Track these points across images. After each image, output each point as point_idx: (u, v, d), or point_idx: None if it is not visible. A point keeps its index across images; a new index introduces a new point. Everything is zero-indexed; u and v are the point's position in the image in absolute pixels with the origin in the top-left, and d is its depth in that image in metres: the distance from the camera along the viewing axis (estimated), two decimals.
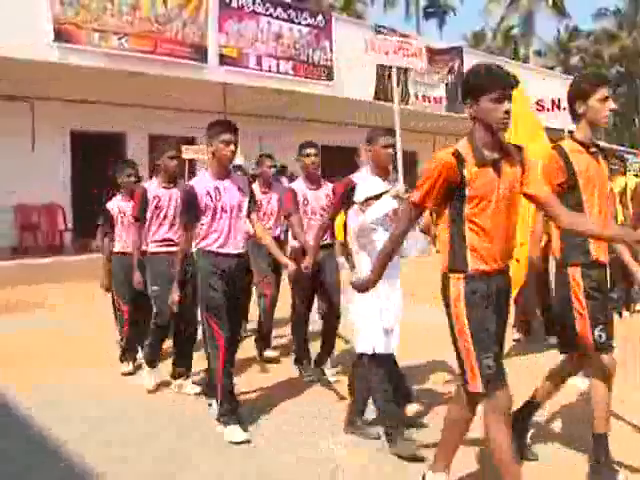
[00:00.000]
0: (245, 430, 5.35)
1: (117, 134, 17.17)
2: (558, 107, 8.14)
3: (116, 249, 7.74)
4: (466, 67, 22.90)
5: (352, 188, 5.32)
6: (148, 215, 6.74)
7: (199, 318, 5.78)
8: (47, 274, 12.97)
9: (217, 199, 5.55)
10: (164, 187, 6.81)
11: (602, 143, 32.73)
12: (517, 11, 50.82)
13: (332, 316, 6.81)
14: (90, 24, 13.68)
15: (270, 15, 17.32)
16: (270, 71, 17.23)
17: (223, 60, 16.24)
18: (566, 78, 30.74)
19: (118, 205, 7.90)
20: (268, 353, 7.82)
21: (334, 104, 18.91)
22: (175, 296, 5.87)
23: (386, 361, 5.12)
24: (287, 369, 7.31)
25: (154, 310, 6.71)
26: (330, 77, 18.59)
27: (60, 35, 13.28)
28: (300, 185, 7.23)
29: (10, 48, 12.31)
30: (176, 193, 6.69)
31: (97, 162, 17.14)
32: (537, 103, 8.01)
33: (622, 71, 50.45)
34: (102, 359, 7.80)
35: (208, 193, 5.54)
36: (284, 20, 17.66)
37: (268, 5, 17.22)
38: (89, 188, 16.70)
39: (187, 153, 12.02)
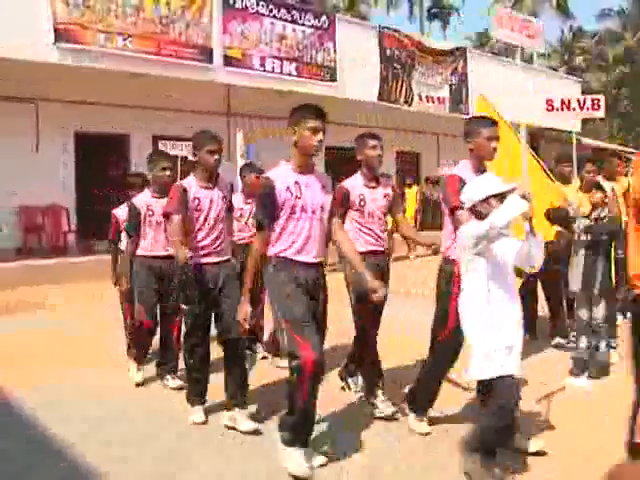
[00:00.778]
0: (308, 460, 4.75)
1: (121, 135, 17.17)
2: (567, 107, 8.08)
3: (139, 251, 6.90)
4: (470, 68, 22.95)
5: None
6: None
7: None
8: (51, 275, 12.99)
9: (297, 196, 4.75)
10: (204, 187, 5.75)
11: (604, 144, 32.69)
12: (521, 12, 50.70)
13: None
14: (95, 25, 13.71)
15: (274, 16, 17.35)
16: (273, 72, 17.25)
17: (227, 61, 16.25)
18: (572, 79, 30.80)
19: (146, 202, 6.86)
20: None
21: (337, 105, 18.89)
22: (246, 309, 4.89)
23: (509, 386, 4.40)
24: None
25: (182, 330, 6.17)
26: (333, 78, 18.60)
27: (65, 36, 13.31)
28: (356, 182, 6.11)
29: (14, 49, 12.36)
30: (218, 194, 5.80)
31: (101, 163, 17.19)
32: (547, 102, 7.96)
33: (626, 72, 50.30)
34: (102, 359, 7.80)
35: (288, 188, 4.74)
36: (288, 21, 17.69)
37: (272, 6, 17.24)
38: (93, 189, 16.75)
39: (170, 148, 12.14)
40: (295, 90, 17.48)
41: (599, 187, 7.28)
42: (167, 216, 5.80)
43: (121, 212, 7.60)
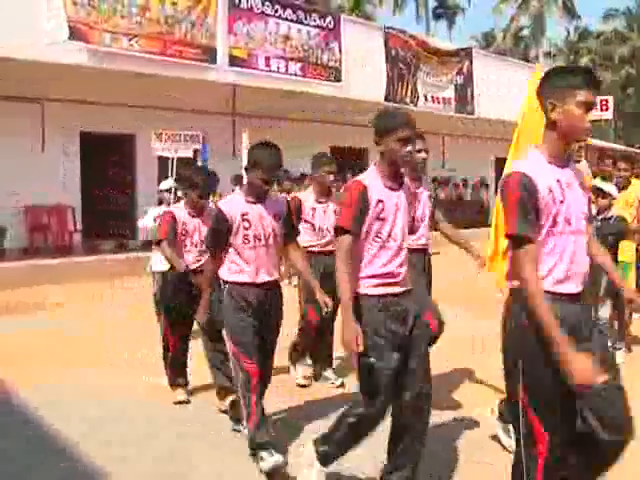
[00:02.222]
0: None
1: (126, 135, 17.20)
2: None
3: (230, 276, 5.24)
4: (475, 68, 22.94)
5: None
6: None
7: None
8: (56, 275, 13.01)
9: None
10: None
11: (615, 145, 32.59)
12: (527, 12, 50.74)
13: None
14: (101, 25, 13.74)
15: (279, 16, 17.37)
16: (279, 72, 17.26)
17: (232, 61, 16.28)
18: None
19: (241, 210, 5.21)
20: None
21: (342, 105, 18.93)
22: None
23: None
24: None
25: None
26: (338, 78, 18.61)
27: (72, 36, 13.32)
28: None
29: (18, 49, 12.37)
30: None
31: (106, 163, 17.23)
32: None
33: (632, 72, 50.27)
34: (102, 359, 7.80)
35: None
36: (293, 21, 17.70)
37: (277, 6, 17.26)
38: (99, 189, 16.80)
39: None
40: (300, 90, 17.52)
41: (601, 191, 7.28)
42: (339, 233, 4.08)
43: (181, 213, 6.22)
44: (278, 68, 17.29)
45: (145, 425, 5.71)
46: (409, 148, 4.07)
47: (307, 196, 6.72)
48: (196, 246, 6.12)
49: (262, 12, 16.95)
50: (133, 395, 6.50)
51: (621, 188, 7.89)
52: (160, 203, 9.68)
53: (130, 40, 14.20)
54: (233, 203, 4.99)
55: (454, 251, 6.76)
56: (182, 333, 6.38)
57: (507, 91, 23.26)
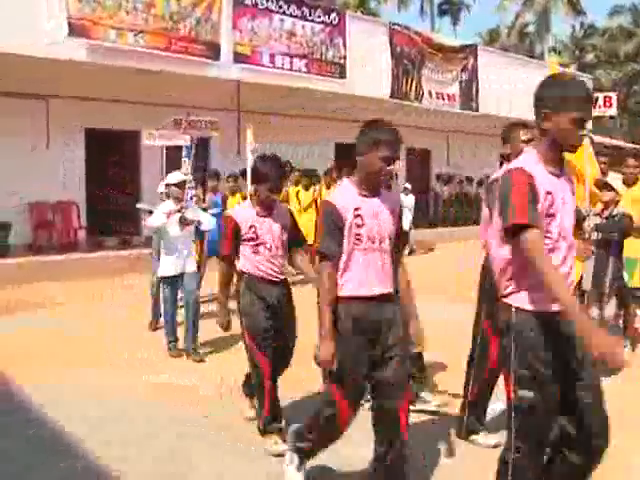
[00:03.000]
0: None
1: (131, 132, 17.19)
2: None
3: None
4: (480, 65, 22.89)
5: None
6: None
7: None
8: (59, 271, 13.02)
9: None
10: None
11: (617, 142, 32.54)
12: (532, 8, 50.61)
13: None
14: (106, 21, 13.73)
15: (283, 12, 17.33)
16: (283, 68, 17.24)
17: (237, 57, 16.25)
18: (583, 76, 30.68)
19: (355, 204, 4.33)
20: None
21: (347, 101, 18.91)
22: None
23: None
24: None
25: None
26: (343, 75, 18.57)
27: (76, 32, 13.31)
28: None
29: (23, 45, 12.37)
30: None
31: (111, 160, 17.23)
32: None
33: (638, 69, 50.12)
34: (102, 359, 7.79)
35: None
36: (297, 17, 17.66)
37: (281, 2, 17.22)
38: (103, 186, 16.79)
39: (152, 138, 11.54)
40: (305, 87, 17.50)
41: (609, 186, 7.25)
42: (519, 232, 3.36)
43: (248, 214, 5.39)
44: (283, 64, 17.26)
45: (145, 425, 5.72)
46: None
47: None
48: (270, 250, 5.30)
49: (267, 8, 16.92)
50: (133, 395, 6.50)
51: (629, 185, 7.85)
52: (167, 197, 9.45)
53: (135, 36, 14.19)
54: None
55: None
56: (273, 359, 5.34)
57: (512, 88, 23.21)
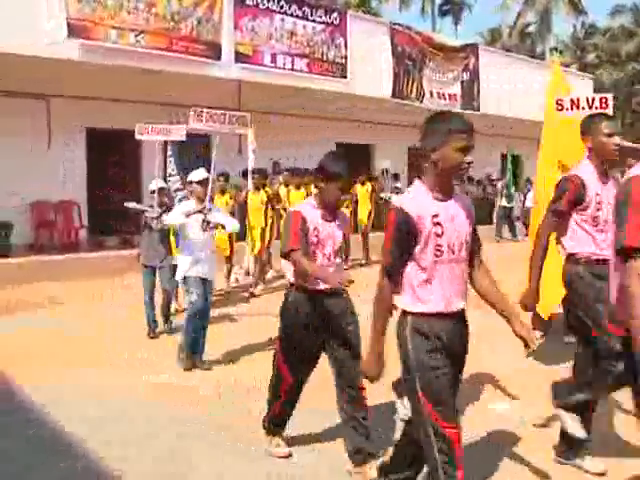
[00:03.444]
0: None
1: (132, 131, 17.18)
2: (577, 107, 8.00)
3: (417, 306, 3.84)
4: (482, 64, 22.88)
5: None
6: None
7: None
8: (60, 271, 13.03)
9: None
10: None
11: (625, 143, 32.65)
12: (534, 8, 50.58)
13: None
14: (107, 21, 13.73)
15: (285, 12, 17.33)
16: (284, 68, 17.24)
17: (238, 57, 16.26)
18: (584, 76, 30.66)
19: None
20: None
21: (348, 101, 18.91)
22: None
23: None
24: None
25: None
26: (344, 74, 18.56)
27: (77, 32, 13.32)
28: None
29: (24, 45, 12.38)
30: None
31: (112, 159, 17.22)
32: (556, 102, 7.90)
33: (639, 68, 50.09)
34: (102, 359, 7.79)
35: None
36: (299, 17, 17.66)
37: (283, 2, 17.22)
38: (104, 186, 16.79)
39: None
40: (306, 86, 17.50)
41: None
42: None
43: (314, 214, 4.91)
44: (284, 64, 17.26)
45: (145, 425, 5.73)
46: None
47: None
48: (329, 259, 4.89)
49: (268, 8, 16.92)
50: (133, 395, 6.51)
51: None
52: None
53: (136, 36, 14.19)
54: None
55: None
56: (302, 374, 5.14)
57: (513, 87, 23.21)
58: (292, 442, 5.26)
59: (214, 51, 15.76)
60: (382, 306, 3.61)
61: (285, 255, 4.76)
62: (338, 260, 4.94)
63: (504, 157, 25.52)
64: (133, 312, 9.96)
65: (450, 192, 3.70)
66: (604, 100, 8.38)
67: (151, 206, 9.37)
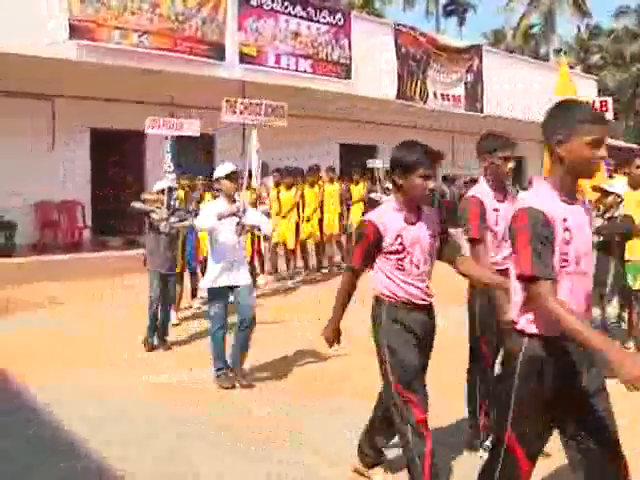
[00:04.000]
0: None
1: (136, 132, 17.22)
2: None
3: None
4: (485, 66, 22.88)
5: None
6: None
7: None
8: (63, 271, 13.05)
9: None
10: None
11: (622, 143, 32.40)
12: (538, 9, 50.51)
13: None
14: (111, 22, 13.77)
15: (289, 13, 17.38)
16: (288, 69, 17.26)
17: (242, 58, 16.29)
18: (588, 78, 30.64)
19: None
20: None
21: (352, 102, 18.93)
22: None
23: None
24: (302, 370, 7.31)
25: None
26: (348, 75, 18.59)
27: (80, 33, 13.35)
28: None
29: (28, 46, 12.41)
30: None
31: (116, 160, 17.26)
32: None
33: None
34: (102, 359, 7.80)
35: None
36: (303, 18, 17.71)
37: (287, 3, 17.26)
38: (108, 186, 16.83)
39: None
40: (310, 87, 17.52)
41: (605, 192, 7.26)
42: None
43: (385, 217, 4.25)
44: (288, 65, 17.30)
45: (145, 425, 5.74)
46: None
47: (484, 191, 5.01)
48: (417, 267, 4.22)
49: (272, 9, 16.96)
50: (133, 395, 6.52)
51: (635, 187, 7.74)
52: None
53: (140, 37, 14.23)
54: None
55: None
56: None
57: (516, 89, 23.22)
58: (292, 442, 5.28)
59: (218, 52, 15.79)
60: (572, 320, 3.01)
61: (349, 270, 4.35)
62: (429, 268, 4.28)
63: None
64: (134, 312, 9.93)
65: (575, 194, 3.30)
66: (604, 103, 8.43)
67: (158, 207, 8.64)
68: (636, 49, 49.56)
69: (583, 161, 3.16)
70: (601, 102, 8.16)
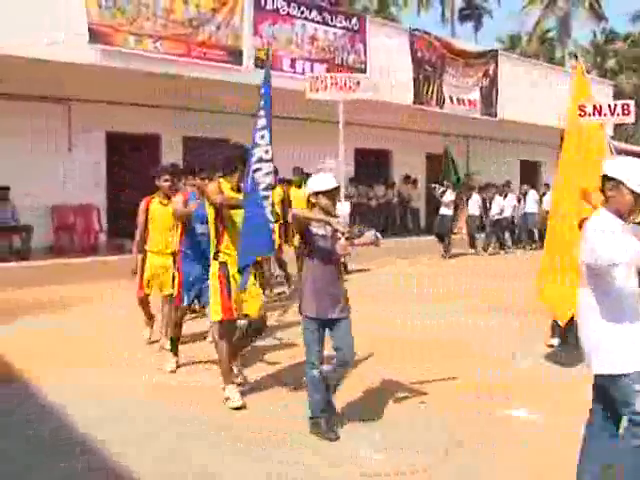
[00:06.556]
0: None
1: (152, 135, 17.36)
2: (599, 113, 7.99)
3: None
4: (501, 70, 22.84)
5: None
6: None
7: None
8: (79, 274, 13.14)
9: None
10: None
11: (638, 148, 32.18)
12: (553, 14, 50.29)
13: None
14: (126, 27, 13.89)
15: (305, 18, 17.45)
16: (304, 74, 17.30)
17: (258, 62, 16.35)
18: (604, 82, 30.50)
19: None
20: None
21: (367, 107, 18.94)
22: None
23: None
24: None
25: None
26: None
27: (96, 37, 13.48)
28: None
29: (47, 49, 12.53)
30: None
31: (132, 163, 17.38)
32: (579, 108, 7.88)
33: None
34: (102, 359, 7.82)
35: None
36: (319, 23, 17.77)
37: (303, 8, 17.34)
38: (124, 189, 16.94)
39: None
40: None
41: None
42: None
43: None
44: (303, 69, 17.34)
45: (145, 425, 5.76)
46: None
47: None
48: None
49: (288, 14, 17.04)
50: (133, 395, 6.53)
51: None
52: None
53: (155, 42, 14.34)
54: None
55: None
56: None
57: (532, 93, 23.16)
58: (292, 442, 5.32)
59: (234, 56, 15.87)
60: None
61: None
62: None
63: (523, 164, 25.52)
64: (135, 312, 9.98)
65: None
66: (626, 107, 8.37)
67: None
68: None
69: None
70: (623, 105, 8.10)
